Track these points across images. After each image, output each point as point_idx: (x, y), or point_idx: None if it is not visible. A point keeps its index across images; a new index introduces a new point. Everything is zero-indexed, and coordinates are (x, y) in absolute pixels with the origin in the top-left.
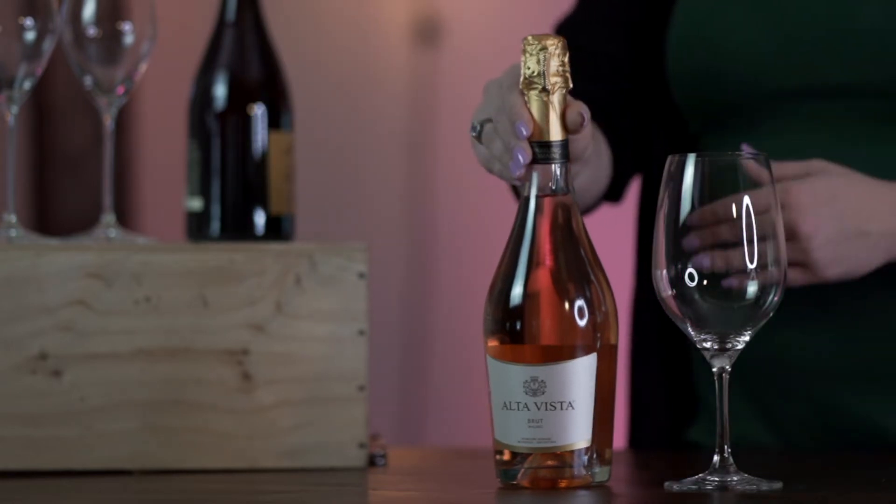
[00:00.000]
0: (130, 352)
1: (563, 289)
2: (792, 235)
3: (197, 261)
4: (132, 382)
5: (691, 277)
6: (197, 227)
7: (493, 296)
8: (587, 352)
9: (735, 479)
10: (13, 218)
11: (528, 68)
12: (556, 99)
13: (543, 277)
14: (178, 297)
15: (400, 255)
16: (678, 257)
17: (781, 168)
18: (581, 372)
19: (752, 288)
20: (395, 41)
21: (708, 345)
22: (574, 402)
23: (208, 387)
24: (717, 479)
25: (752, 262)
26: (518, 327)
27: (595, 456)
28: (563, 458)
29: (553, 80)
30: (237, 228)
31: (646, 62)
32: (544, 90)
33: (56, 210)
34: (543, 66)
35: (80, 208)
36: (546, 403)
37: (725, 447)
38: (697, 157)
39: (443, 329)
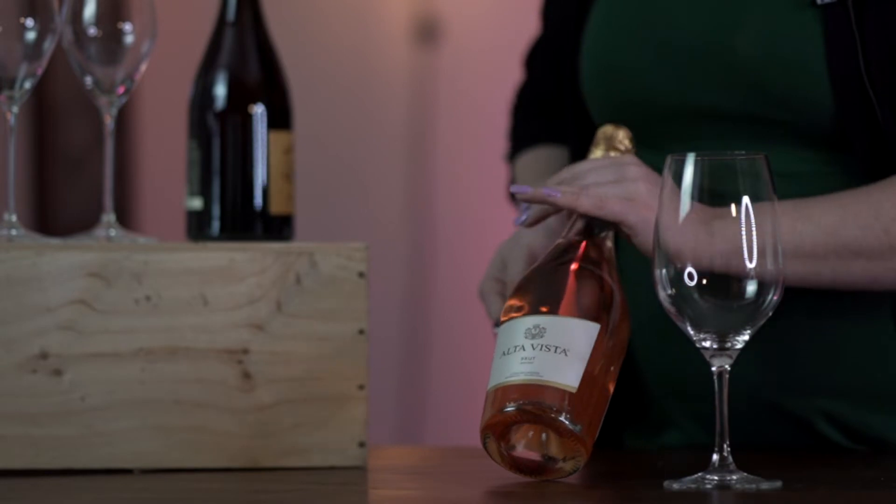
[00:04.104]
0: (131, 351)
1: (586, 274)
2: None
3: (197, 260)
4: (133, 382)
5: (690, 277)
6: (197, 227)
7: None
8: (593, 321)
9: (734, 477)
10: (13, 218)
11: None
12: None
13: (575, 264)
14: (178, 297)
15: (400, 255)
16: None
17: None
18: (581, 331)
19: (751, 287)
20: (395, 41)
21: (707, 344)
22: (568, 350)
23: (208, 386)
24: (716, 477)
25: (751, 261)
26: (540, 293)
27: (578, 422)
28: (547, 409)
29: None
30: (237, 228)
31: (567, 88)
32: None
33: (56, 210)
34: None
35: (80, 208)
36: (542, 345)
37: (725, 446)
38: (697, 156)
39: (443, 329)
